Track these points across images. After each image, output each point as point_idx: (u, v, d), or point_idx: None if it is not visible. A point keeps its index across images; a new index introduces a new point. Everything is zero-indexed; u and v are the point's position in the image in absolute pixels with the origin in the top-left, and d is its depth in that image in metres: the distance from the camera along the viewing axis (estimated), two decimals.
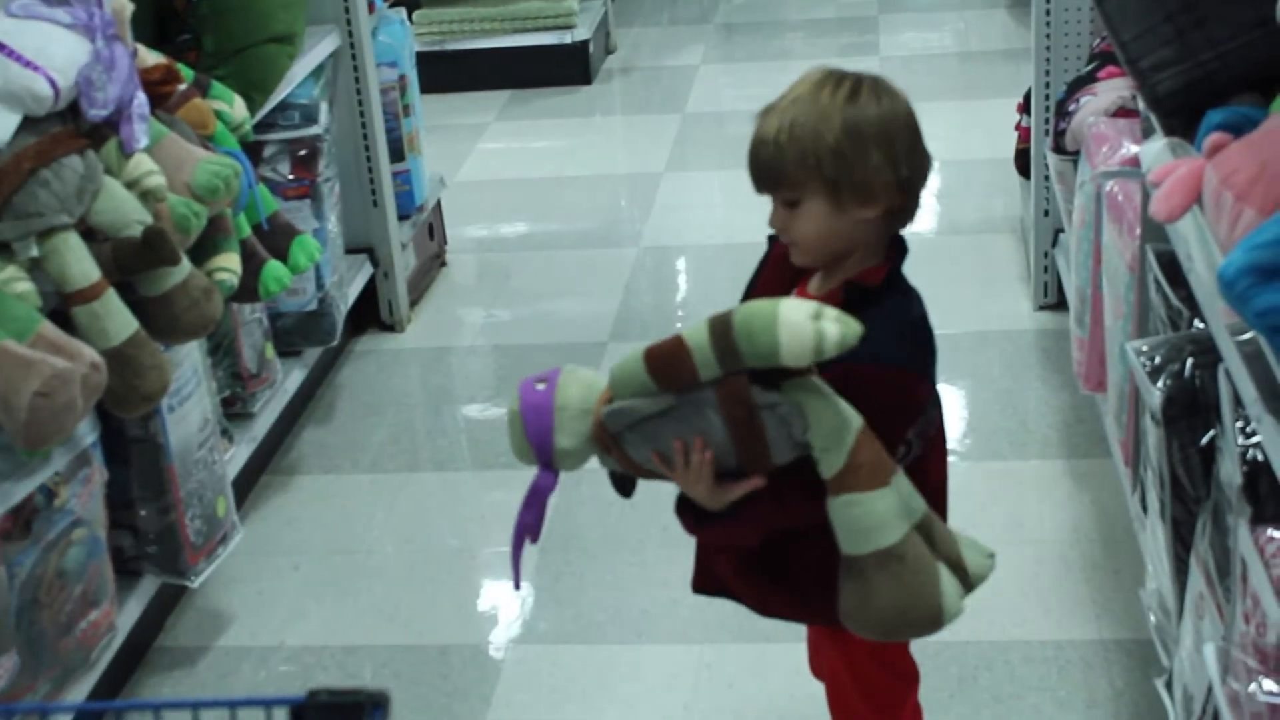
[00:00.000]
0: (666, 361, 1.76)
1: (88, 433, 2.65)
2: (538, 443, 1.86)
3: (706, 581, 2.15)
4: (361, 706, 1.09)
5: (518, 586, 2.00)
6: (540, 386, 1.86)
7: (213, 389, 3.17)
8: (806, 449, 1.80)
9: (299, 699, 1.12)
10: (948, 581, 1.86)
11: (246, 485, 3.63)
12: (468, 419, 4.05)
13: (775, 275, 2.07)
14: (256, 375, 3.59)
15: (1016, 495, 3.44)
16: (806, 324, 1.70)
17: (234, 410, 3.55)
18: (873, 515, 1.80)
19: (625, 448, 1.85)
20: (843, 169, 1.90)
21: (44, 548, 2.53)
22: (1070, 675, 2.87)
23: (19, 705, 1.46)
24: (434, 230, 4.88)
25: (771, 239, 2.12)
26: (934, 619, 1.85)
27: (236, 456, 3.43)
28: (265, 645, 3.14)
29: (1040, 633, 2.98)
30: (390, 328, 4.51)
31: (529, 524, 1.90)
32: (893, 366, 1.91)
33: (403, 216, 4.56)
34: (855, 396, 1.83)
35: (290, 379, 3.85)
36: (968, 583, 1.91)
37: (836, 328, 1.71)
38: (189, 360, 2.98)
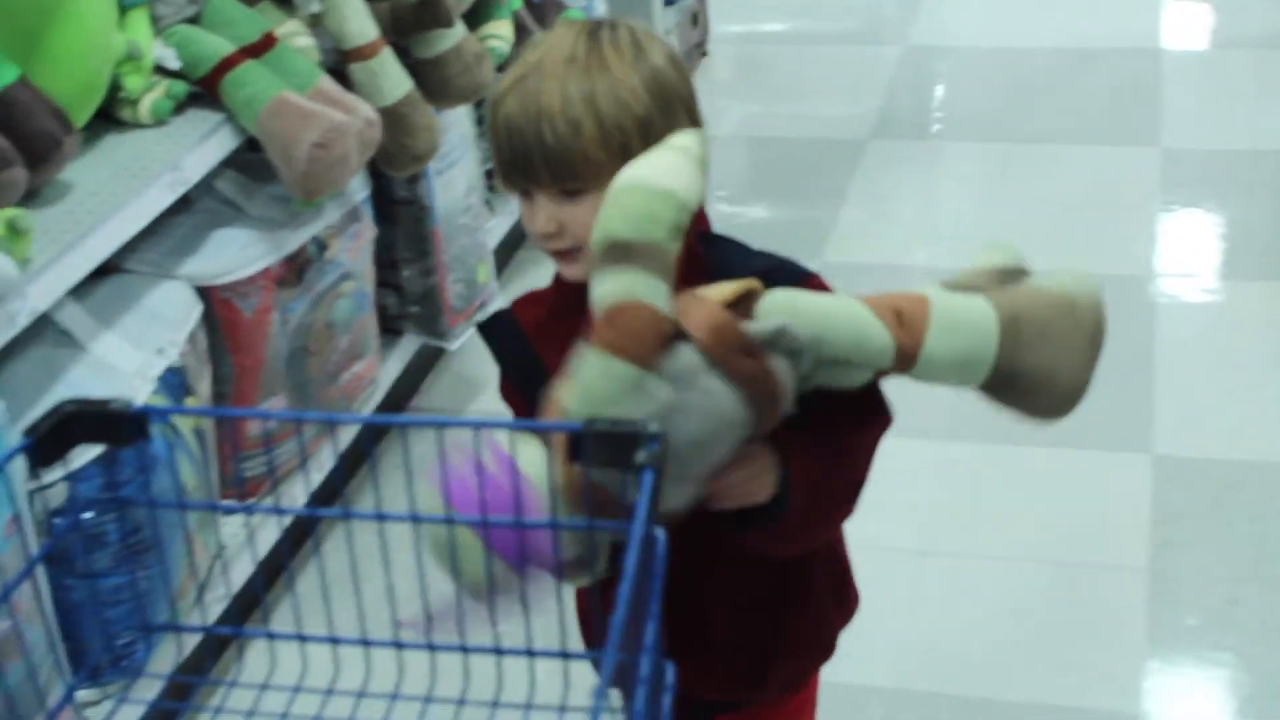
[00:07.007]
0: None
1: (359, 189, 2.72)
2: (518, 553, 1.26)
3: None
4: (638, 436, 1.11)
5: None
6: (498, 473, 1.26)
7: (479, 158, 3.21)
8: (808, 381, 1.39)
9: (577, 426, 1.14)
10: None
11: (504, 258, 3.69)
12: (722, 212, 4.04)
13: (558, 342, 1.43)
14: None
15: None
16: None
17: (496, 183, 3.59)
18: (961, 338, 1.40)
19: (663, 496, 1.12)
20: (651, 142, 1.42)
21: (314, 297, 2.62)
22: None
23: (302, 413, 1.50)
24: (698, 18, 4.84)
25: (491, 324, 1.67)
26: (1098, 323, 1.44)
27: (497, 228, 3.48)
28: None
29: None
30: None
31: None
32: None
33: (668, 2, 4.52)
34: None
35: None
36: None
37: None
38: (457, 127, 3.02)
